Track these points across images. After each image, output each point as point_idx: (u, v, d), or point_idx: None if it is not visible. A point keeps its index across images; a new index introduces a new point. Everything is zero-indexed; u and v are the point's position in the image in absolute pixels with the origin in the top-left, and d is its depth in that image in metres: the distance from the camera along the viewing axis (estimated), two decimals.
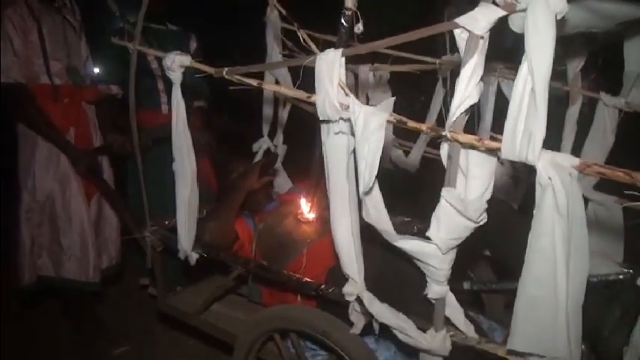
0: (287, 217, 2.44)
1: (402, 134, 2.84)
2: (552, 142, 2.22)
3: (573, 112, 2.16)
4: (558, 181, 1.01)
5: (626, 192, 0.98)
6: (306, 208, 2.49)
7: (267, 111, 2.80)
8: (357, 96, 2.48)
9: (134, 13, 2.00)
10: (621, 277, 1.91)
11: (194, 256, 2.09)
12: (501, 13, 1.06)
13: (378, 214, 1.34)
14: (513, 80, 1.06)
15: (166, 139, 1.98)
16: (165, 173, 2.35)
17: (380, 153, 1.25)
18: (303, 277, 1.91)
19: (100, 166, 3.08)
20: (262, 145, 2.89)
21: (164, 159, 2.38)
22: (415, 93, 4.44)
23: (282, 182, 2.99)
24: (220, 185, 3.04)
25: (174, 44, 3.03)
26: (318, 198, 2.49)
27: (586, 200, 2.00)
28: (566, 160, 1.01)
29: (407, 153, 2.83)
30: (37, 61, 2.78)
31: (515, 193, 2.30)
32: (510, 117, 1.05)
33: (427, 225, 1.28)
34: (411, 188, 2.90)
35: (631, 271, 1.91)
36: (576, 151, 2.13)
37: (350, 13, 1.77)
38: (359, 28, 1.63)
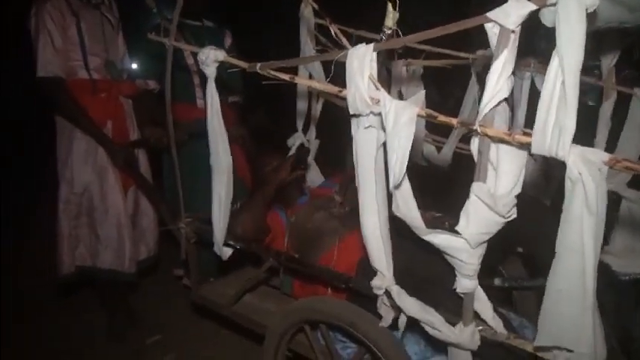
0: (318, 210, 2.46)
1: (434, 130, 2.84)
2: (587, 138, 2.21)
3: (607, 108, 2.13)
4: (588, 176, 1.01)
5: None
6: (337, 204, 2.51)
7: (301, 106, 2.82)
8: (389, 91, 2.51)
9: (171, 9, 2.04)
10: None
11: (227, 251, 2.13)
12: (532, 7, 1.06)
13: (408, 208, 1.34)
14: None
15: (202, 133, 2.02)
16: (200, 167, 2.40)
17: (410, 146, 1.26)
18: (335, 268, 1.94)
19: (137, 159, 3.15)
20: (296, 140, 2.91)
21: (199, 153, 2.42)
22: (449, 88, 4.41)
23: (315, 177, 3.01)
24: (254, 178, 3.08)
25: (210, 40, 3.06)
26: (350, 192, 2.50)
27: (620, 197, 1.98)
28: (596, 155, 1.01)
29: (439, 149, 2.82)
30: (76, 56, 2.87)
31: (547, 189, 2.28)
32: (541, 111, 1.05)
33: (458, 221, 1.29)
34: (443, 184, 2.88)
35: None
36: (610, 147, 2.10)
37: (390, 31, 1.79)
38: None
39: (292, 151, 2.93)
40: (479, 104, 1.15)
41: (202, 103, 3.32)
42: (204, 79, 1.89)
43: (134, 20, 3.26)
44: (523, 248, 2.16)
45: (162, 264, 3.76)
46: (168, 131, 2.22)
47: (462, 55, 2.45)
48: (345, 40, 1.63)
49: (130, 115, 3.19)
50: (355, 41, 2.41)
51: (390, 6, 1.74)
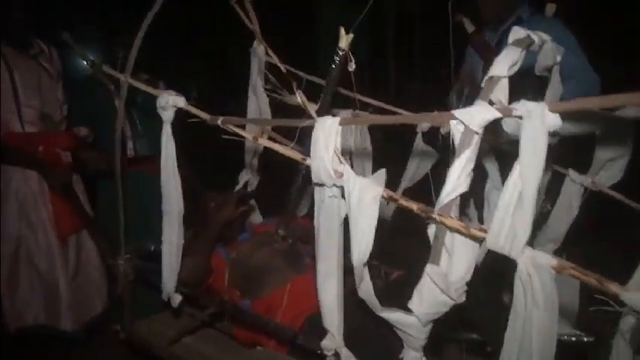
0: (261, 247, 2.48)
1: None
2: None
3: (542, 183, 2.25)
4: (537, 278, 1.10)
5: None
6: (279, 239, 2.53)
7: (250, 144, 2.84)
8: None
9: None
10: (574, 338, 2.03)
11: (177, 298, 2.09)
12: (497, 114, 1.15)
13: (367, 288, 1.41)
14: None
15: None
16: (138, 201, 2.37)
17: (375, 224, 1.33)
18: (282, 315, 1.97)
19: (74, 185, 3.08)
20: (244, 176, 2.93)
21: (136, 188, 2.40)
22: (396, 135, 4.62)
23: (255, 215, 3.03)
24: (198, 217, 3.07)
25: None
26: (292, 230, 2.54)
27: None
28: (545, 259, 1.10)
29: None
30: (9, 108, 2.80)
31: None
32: (499, 212, 1.14)
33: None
34: (382, 231, 2.96)
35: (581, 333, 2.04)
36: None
37: (343, 53, 1.90)
38: (352, 66, 1.74)
39: (239, 187, 2.94)
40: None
41: (132, 155, 3.29)
42: (135, 130, 1.89)
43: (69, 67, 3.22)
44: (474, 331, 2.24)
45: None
46: (106, 155, 2.18)
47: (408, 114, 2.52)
48: (310, 107, 1.69)
49: (70, 167, 3.11)
50: (305, 85, 2.50)
51: (342, 29, 1.84)
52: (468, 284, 1.29)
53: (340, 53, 1.97)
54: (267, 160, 2.89)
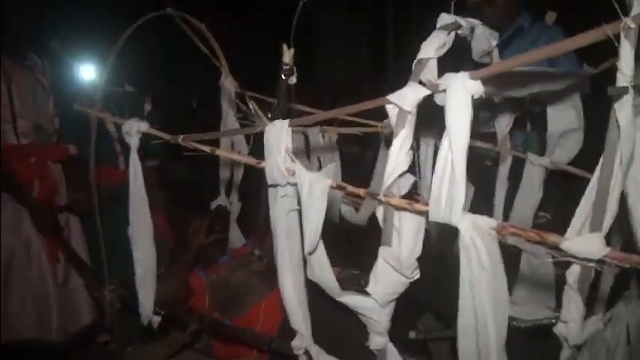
0: (238, 268, 2.52)
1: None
2: (487, 196, 2.38)
3: (503, 171, 2.32)
4: (480, 240, 1.14)
5: None
6: (255, 259, 2.56)
7: (224, 169, 2.89)
8: (308, 156, 2.63)
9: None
10: (553, 321, 2.06)
11: (156, 319, 2.11)
12: (426, 92, 1.20)
13: (322, 272, 1.44)
14: None
15: (124, 197, 2.04)
16: (124, 232, 2.41)
17: (324, 215, 1.37)
18: (259, 328, 1.99)
19: (62, 226, 3.11)
20: (218, 202, 2.97)
21: (124, 217, 2.44)
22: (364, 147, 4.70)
23: (236, 238, 3.06)
24: (176, 240, 3.10)
25: (131, 105, 3.11)
26: (266, 249, 2.57)
27: (520, 251, 2.14)
28: (485, 222, 1.14)
29: (357, 209, 2.94)
30: (5, 119, 2.84)
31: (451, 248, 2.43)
32: (435, 184, 1.18)
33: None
34: (362, 241, 2.99)
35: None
36: (509, 204, 2.29)
37: (287, 67, 1.97)
38: (292, 80, 1.80)
39: (210, 212, 2.98)
40: None
41: (124, 170, 3.32)
42: (126, 146, 1.95)
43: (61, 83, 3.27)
44: (433, 304, 2.29)
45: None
46: (91, 197, 2.23)
47: (372, 123, 2.60)
48: (263, 117, 1.76)
49: (60, 178, 3.17)
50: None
51: (285, 45, 1.91)
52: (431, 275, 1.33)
53: (285, 67, 2.04)
54: (249, 180, 2.96)
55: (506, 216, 2.29)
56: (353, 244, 2.92)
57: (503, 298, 1.21)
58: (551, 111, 1.98)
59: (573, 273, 1.16)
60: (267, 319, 2.18)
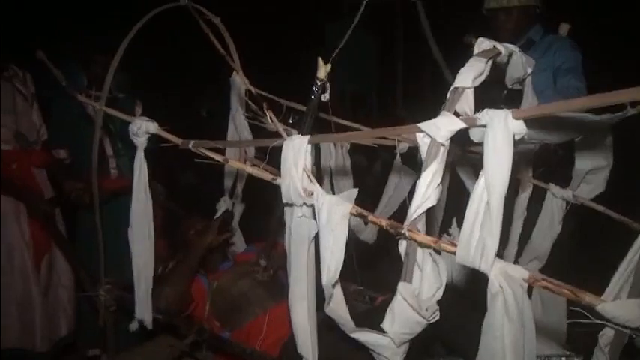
0: (242, 277, 2.44)
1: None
2: (503, 223, 2.30)
3: (523, 199, 2.24)
4: (509, 290, 1.07)
5: None
6: (261, 269, 2.49)
7: (229, 173, 2.82)
8: (319, 165, 2.56)
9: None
10: (563, 358, 2.00)
11: (149, 319, 2.02)
12: (462, 125, 1.13)
13: (338, 307, 1.37)
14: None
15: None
16: (119, 231, 2.33)
17: (344, 245, 1.29)
18: (261, 342, 1.92)
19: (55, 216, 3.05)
20: (223, 204, 2.90)
21: (121, 215, 2.37)
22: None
23: (238, 242, 3.00)
24: (178, 243, 3.03)
25: (121, 110, 3.07)
26: (273, 260, 2.50)
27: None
28: (517, 271, 1.07)
29: (366, 222, 2.86)
30: None
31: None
32: (466, 225, 1.10)
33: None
34: (368, 255, 2.93)
35: (571, 353, 2.00)
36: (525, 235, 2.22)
37: (321, 83, 1.89)
38: (326, 97, 1.73)
39: (219, 214, 2.91)
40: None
41: (116, 173, 3.30)
42: (116, 149, 1.88)
43: (48, 90, 3.22)
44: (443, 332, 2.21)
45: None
46: (92, 189, 2.15)
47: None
48: (280, 126, 1.68)
49: (45, 183, 3.14)
50: (285, 112, 2.49)
51: (320, 59, 1.83)
52: (443, 305, 1.25)
53: (319, 83, 1.96)
54: (250, 186, 2.89)
55: (520, 246, 2.23)
56: (359, 258, 2.85)
57: (528, 348, 1.15)
58: (580, 147, 1.91)
59: (606, 336, 1.10)
60: (270, 334, 2.10)
